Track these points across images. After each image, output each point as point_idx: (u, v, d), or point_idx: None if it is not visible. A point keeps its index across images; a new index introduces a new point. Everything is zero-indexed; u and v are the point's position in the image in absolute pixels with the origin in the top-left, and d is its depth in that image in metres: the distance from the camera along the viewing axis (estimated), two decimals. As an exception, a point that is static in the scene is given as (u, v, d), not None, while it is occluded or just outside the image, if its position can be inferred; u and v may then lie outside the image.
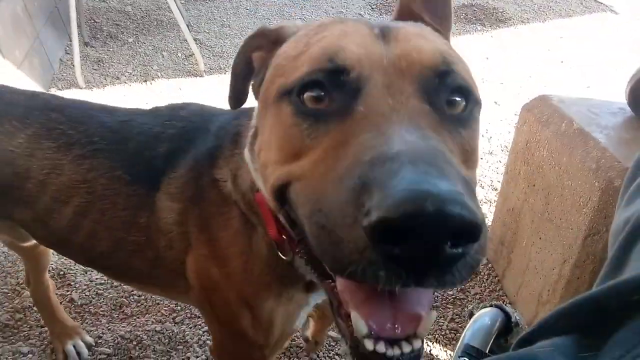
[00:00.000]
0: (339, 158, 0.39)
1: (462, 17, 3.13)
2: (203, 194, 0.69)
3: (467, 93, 0.46)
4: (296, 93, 0.45)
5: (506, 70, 2.54)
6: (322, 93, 0.44)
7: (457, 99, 0.45)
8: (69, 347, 1.28)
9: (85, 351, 1.30)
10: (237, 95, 0.62)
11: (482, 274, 1.47)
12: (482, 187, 1.86)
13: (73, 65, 2.43)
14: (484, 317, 0.64)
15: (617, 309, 0.44)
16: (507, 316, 0.65)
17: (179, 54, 2.77)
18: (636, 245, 0.55)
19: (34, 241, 0.97)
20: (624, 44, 2.86)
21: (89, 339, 1.32)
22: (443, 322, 1.33)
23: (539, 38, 2.91)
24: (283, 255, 0.62)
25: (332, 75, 0.43)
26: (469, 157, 0.45)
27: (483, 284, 1.42)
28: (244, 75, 0.60)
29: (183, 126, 0.76)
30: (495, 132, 2.12)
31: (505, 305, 0.69)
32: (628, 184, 0.72)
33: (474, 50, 2.71)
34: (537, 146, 1.18)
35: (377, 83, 0.42)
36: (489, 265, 1.49)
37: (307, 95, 0.44)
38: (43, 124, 0.78)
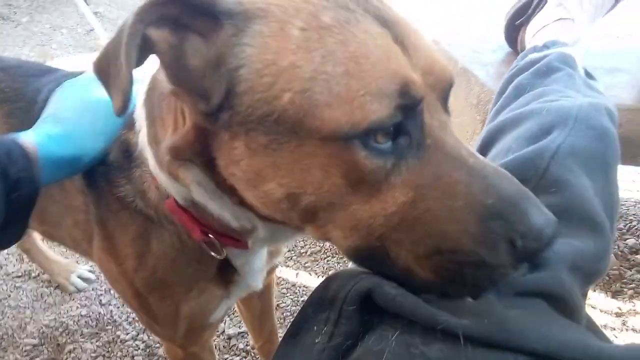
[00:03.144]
0: (443, 198, 0.40)
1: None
2: (100, 200, 0.65)
3: None
4: (366, 133, 0.40)
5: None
6: (392, 128, 0.41)
7: None
8: (74, 279, 1.40)
9: (91, 276, 1.44)
10: (128, 98, 0.42)
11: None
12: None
13: (-42, 52, 2.23)
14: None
15: None
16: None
17: (79, 30, 2.62)
18: (489, 153, 0.61)
19: None
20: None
21: (87, 267, 1.46)
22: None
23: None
24: (216, 253, 0.59)
25: (408, 111, 0.40)
26: None
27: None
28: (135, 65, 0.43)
29: None
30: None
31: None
32: (491, 108, 0.79)
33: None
34: (430, 89, 1.25)
35: (426, 107, 0.42)
36: (404, 207, 1.58)
37: (380, 134, 0.40)
38: None
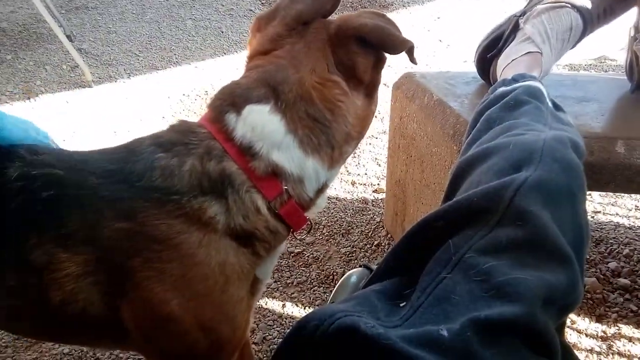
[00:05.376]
0: None
1: (348, 6, 3.26)
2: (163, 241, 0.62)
3: None
4: None
5: (393, 53, 2.69)
6: None
7: None
8: None
9: None
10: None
11: (382, 244, 1.57)
12: (379, 165, 1.97)
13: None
14: (352, 276, 0.70)
15: (426, 239, 0.51)
16: (372, 272, 0.72)
17: (64, 67, 2.63)
18: (460, 187, 0.63)
19: None
20: (494, 20, 3.12)
21: None
22: (350, 295, 1.42)
23: (419, 20, 3.11)
24: (294, 234, 0.72)
25: None
26: None
27: (383, 254, 1.52)
28: None
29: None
30: (387, 112, 2.25)
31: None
32: (464, 141, 0.81)
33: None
34: (408, 120, 1.28)
35: None
36: (389, 235, 1.59)
37: None
38: None
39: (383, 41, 0.66)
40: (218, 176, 0.63)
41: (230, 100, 0.66)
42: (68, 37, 2.71)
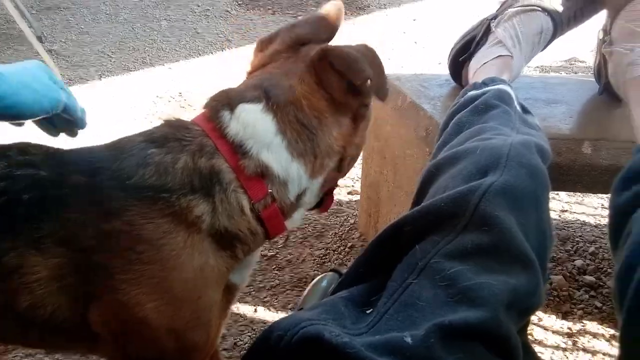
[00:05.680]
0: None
1: (326, 7, 3.26)
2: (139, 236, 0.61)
3: None
4: None
5: (369, 55, 2.70)
6: None
7: None
8: None
9: None
10: None
11: (356, 247, 1.57)
12: (354, 167, 1.97)
13: None
14: (322, 280, 0.70)
15: (393, 245, 0.51)
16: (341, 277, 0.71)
17: (33, 67, 2.56)
18: (429, 191, 0.64)
19: None
20: (469, 22, 3.16)
21: None
22: (325, 298, 1.41)
23: (395, 22, 3.13)
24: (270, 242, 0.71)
25: None
26: None
27: (357, 256, 1.52)
28: None
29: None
30: (363, 113, 2.26)
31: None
32: (436, 143, 0.82)
33: (338, 38, 2.84)
34: (382, 122, 1.29)
35: None
36: (362, 237, 1.59)
37: None
38: None
39: (344, 67, 0.67)
40: (208, 173, 0.64)
41: (225, 100, 0.68)
42: (39, 38, 2.64)
